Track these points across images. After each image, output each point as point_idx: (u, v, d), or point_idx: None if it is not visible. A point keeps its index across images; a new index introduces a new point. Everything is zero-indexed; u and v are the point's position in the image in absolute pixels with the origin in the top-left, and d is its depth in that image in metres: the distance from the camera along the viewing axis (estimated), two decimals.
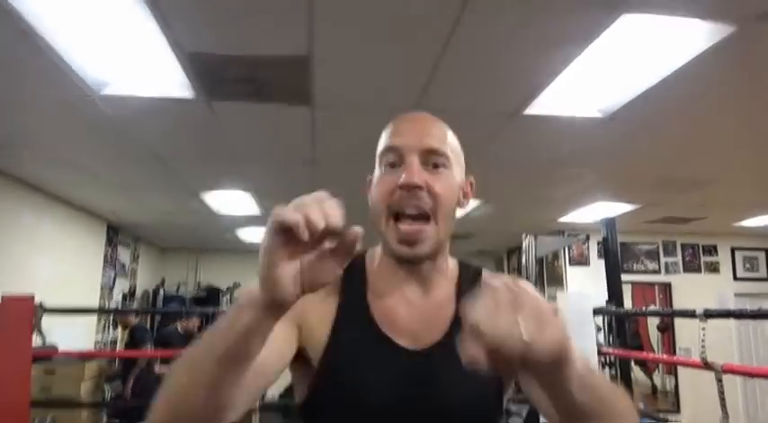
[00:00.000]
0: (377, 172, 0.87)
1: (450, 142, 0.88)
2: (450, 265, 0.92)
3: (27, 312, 2.73)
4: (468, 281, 0.89)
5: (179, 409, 0.64)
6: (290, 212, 0.55)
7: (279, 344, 0.75)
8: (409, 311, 0.84)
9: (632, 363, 4.16)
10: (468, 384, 0.78)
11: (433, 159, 0.83)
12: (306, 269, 0.59)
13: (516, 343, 0.53)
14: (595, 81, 2.59)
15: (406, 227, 0.80)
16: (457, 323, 0.82)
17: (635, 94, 2.65)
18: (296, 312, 0.73)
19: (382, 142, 0.87)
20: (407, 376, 0.80)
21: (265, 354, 0.66)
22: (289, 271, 0.58)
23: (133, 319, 5.29)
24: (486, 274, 0.82)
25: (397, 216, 0.81)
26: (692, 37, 2.14)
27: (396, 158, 0.83)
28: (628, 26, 2.06)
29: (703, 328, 2.33)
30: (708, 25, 2.05)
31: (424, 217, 0.81)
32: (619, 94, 2.70)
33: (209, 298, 8.22)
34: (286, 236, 0.56)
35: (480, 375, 0.75)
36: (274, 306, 0.59)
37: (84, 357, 4.48)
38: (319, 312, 0.82)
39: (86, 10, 2.03)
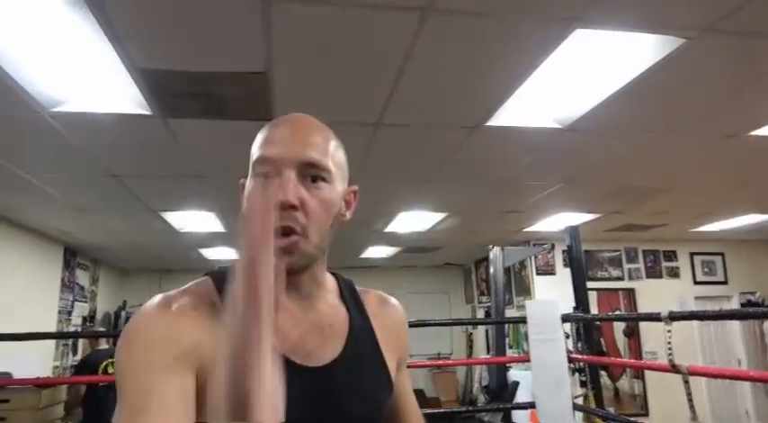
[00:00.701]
0: (249, 182, 0.79)
1: (333, 152, 0.81)
2: (328, 277, 0.89)
3: None
4: (348, 291, 0.90)
5: None
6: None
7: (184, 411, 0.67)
8: (299, 329, 0.79)
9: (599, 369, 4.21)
10: (370, 396, 0.81)
11: (311, 173, 0.76)
12: None
13: None
14: (553, 93, 2.64)
15: (278, 242, 0.69)
16: (353, 337, 0.83)
17: (591, 105, 2.71)
18: (190, 357, 0.69)
19: (256, 149, 0.78)
20: (311, 395, 0.76)
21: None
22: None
23: (101, 343, 4.94)
24: (358, 288, 0.92)
25: None
26: (643, 49, 2.20)
27: (270, 170, 0.76)
28: (582, 40, 2.10)
29: (669, 331, 2.37)
30: (658, 38, 2.11)
31: (293, 232, 0.75)
32: (575, 106, 2.76)
33: None
34: None
35: (381, 385, 0.83)
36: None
37: (40, 385, 4.27)
38: (207, 340, 0.70)
39: (35, 26, 1.96)
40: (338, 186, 0.81)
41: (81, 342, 6.94)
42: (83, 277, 6.98)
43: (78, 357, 6.73)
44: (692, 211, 5.51)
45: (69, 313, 6.49)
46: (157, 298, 0.75)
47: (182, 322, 0.72)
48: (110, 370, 4.40)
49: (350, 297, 0.89)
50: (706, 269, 7.41)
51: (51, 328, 5.92)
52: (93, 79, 2.42)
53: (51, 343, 6.05)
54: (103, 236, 5.90)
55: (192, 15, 1.92)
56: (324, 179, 0.77)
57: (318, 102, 2.66)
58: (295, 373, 0.73)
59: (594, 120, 2.86)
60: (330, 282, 0.89)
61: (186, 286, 0.79)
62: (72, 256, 6.57)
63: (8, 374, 3.91)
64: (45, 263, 5.92)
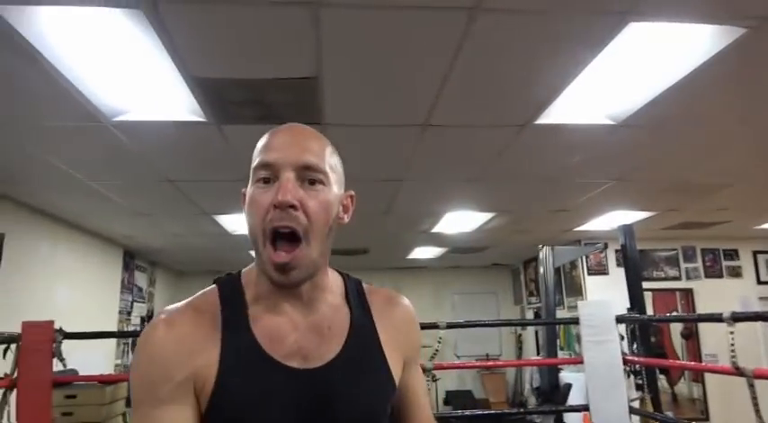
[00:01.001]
0: (250, 188, 0.82)
1: (329, 157, 0.84)
2: (333, 277, 0.91)
3: (47, 338, 2.75)
4: (354, 291, 0.91)
5: None
6: None
7: None
8: (296, 333, 0.82)
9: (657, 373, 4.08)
10: (369, 394, 0.83)
11: (309, 176, 0.80)
12: None
13: None
14: (605, 88, 2.58)
15: (277, 258, 0.78)
16: (352, 337, 0.85)
17: (645, 100, 2.63)
18: (187, 385, 0.76)
19: (256, 156, 0.83)
20: (306, 398, 0.79)
21: None
22: None
23: None
24: (366, 286, 0.94)
25: (274, 239, 0.78)
26: (701, 41, 2.12)
27: (270, 174, 0.80)
28: (636, 34, 2.05)
29: (732, 332, 2.28)
30: (717, 29, 2.03)
31: (297, 239, 0.78)
32: (629, 101, 2.69)
33: None
34: None
35: (378, 387, 0.85)
36: None
37: (104, 382, 4.48)
38: (204, 358, 0.77)
39: (96, 37, 2.06)
40: (335, 190, 0.84)
41: None
42: (141, 279, 7.27)
43: None
44: (755, 208, 5.25)
45: (129, 313, 6.78)
46: (163, 315, 0.82)
47: (182, 342, 0.78)
48: None
49: (355, 297, 0.90)
50: None
51: (113, 327, 6.20)
52: (151, 89, 2.52)
53: (113, 342, 6.33)
54: (160, 239, 6.13)
55: (245, 25, 1.98)
56: (321, 182, 0.81)
57: (367, 104, 2.70)
58: (290, 378, 0.79)
59: (649, 115, 2.78)
60: (335, 283, 0.91)
61: (192, 298, 0.85)
62: (131, 259, 6.86)
63: (74, 371, 4.11)
64: (106, 265, 6.20)
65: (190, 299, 0.85)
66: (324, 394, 0.80)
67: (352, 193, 0.92)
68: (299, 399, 0.78)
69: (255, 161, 0.82)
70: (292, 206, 0.77)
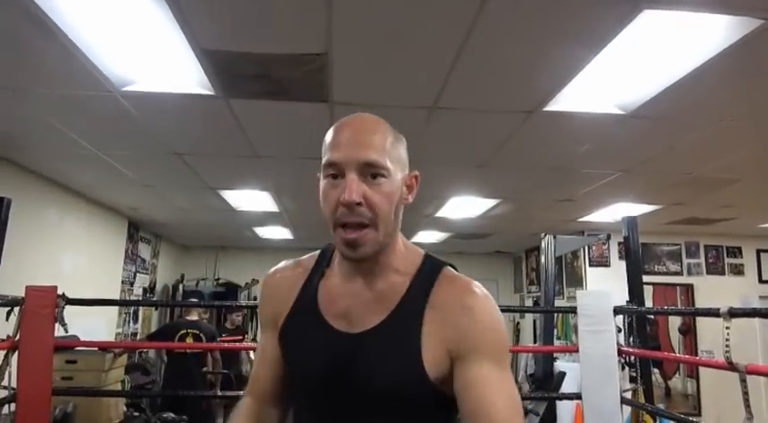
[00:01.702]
0: (322, 180, 0.93)
1: (390, 148, 0.92)
2: (410, 258, 0.99)
3: (50, 302, 2.79)
4: (426, 275, 0.96)
5: None
6: None
7: (281, 367, 1.02)
8: (349, 300, 0.94)
9: (651, 365, 4.10)
10: (391, 366, 0.89)
11: (371, 171, 0.89)
12: None
13: None
14: (616, 77, 2.55)
15: (348, 234, 0.89)
16: (398, 313, 0.92)
17: (656, 90, 2.60)
18: (271, 309, 1.04)
19: (324, 152, 0.92)
20: (337, 356, 0.91)
21: (278, 379, 1.03)
22: None
23: (192, 314, 5.26)
24: (446, 270, 0.98)
25: (344, 225, 0.90)
26: (716, 32, 2.10)
27: (336, 172, 0.90)
28: (649, 22, 2.03)
29: (727, 327, 2.29)
30: (731, 20, 2.01)
31: (363, 225, 0.89)
32: (640, 91, 2.66)
33: (228, 293, 8.34)
34: None
35: (405, 358, 0.89)
36: None
37: (105, 348, 4.55)
38: (284, 303, 1.01)
39: (107, 6, 2.06)
40: (398, 177, 0.93)
41: (141, 311, 7.33)
42: (145, 250, 7.33)
43: (138, 326, 7.15)
44: (762, 205, 5.23)
45: (131, 284, 6.85)
46: (274, 267, 1.09)
47: (277, 286, 1.04)
48: (188, 340, 4.78)
49: (423, 280, 0.95)
50: None
51: (115, 297, 6.26)
52: (161, 60, 2.52)
53: (115, 311, 6.40)
54: (165, 212, 6.17)
55: None
56: (383, 175, 0.90)
57: (375, 84, 2.69)
58: (330, 336, 0.93)
59: (660, 106, 2.75)
60: (408, 263, 0.97)
61: (302, 257, 1.08)
62: (135, 230, 6.91)
63: (75, 337, 4.17)
64: (111, 235, 6.25)
65: (301, 257, 1.08)
66: (353, 357, 0.90)
67: (417, 173, 1.00)
68: (333, 355, 0.92)
69: (324, 157, 0.92)
70: (358, 204, 0.87)
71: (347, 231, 0.89)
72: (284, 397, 1.03)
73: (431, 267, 0.97)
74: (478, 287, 0.95)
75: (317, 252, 1.05)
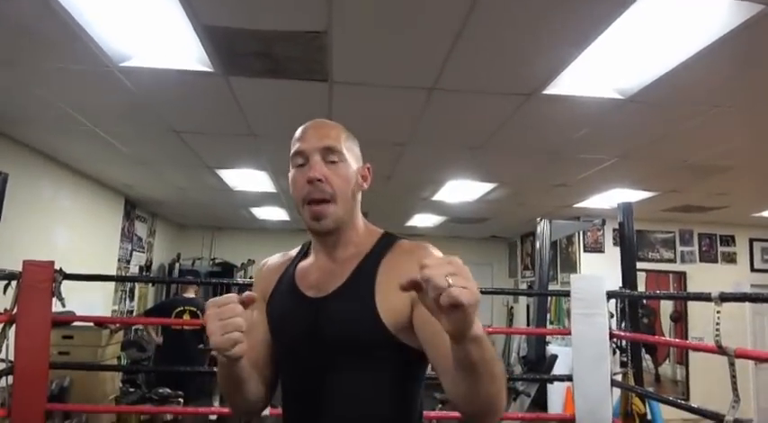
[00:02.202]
0: (291, 171, 1.13)
1: (345, 140, 1.13)
2: (369, 234, 1.16)
3: (47, 277, 2.80)
4: (382, 244, 1.13)
5: (237, 404, 1.13)
6: (230, 338, 0.89)
7: (261, 333, 1.16)
8: (318, 273, 1.13)
9: (642, 350, 4.15)
10: (347, 318, 1.04)
11: (330, 156, 1.09)
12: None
13: (449, 288, 0.74)
14: (616, 61, 2.55)
15: (313, 208, 1.08)
16: (355, 275, 1.09)
17: (656, 75, 2.61)
18: (260, 289, 1.20)
19: (292, 146, 1.12)
20: (308, 317, 1.08)
21: (259, 337, 1.15)
22: (239, 347, 0.91)
23: (189, 291, 5.30)
24: (401, 240, 1.15)
25: (311, 202, 1.08)
26: (716, 17, 2.10)
27: (303, 160, 1.10)
28: (650, 5, 2.02)
29: (718, 312, 2.32)
30: (733, 4, 2.00)
31: (326, 201, 1.08)
32: (639, 75, 2.66)
33: (224, 273, 8.37)
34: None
35: (358, 315, 1.04)
36: (234, 361, 0.96)
37: (101, 324, 4.58)
38: (271, 282, 1.21)
39: None
40: (353, 165, 1.13)
41: (137, 289, 7.36)
42: (141, 229, 7.33)
43: (134, 303, 7.19)
44: (757, 194, 5.26)
45: (128, 262, 6.86)
46: (264, 260, 1.30)
47: (266, 271, 1.25)
48: (185, 316, 4.84)
49: (380, 248, 1.12)
50: (766, 256, 7.10)
51: (112, 274, 6.27)
52: (160, 35, 2.50)
53: (111, 288, 6.43)
54: (162, 190, 6.16)
55: None
56: (340, 159, 1.10)
57: (374, 63, 2.68)
58: (304, 302, 1.11)
59: (659, 91, 2.76)
60: (368, 238, 1.15)
61: (291, 251, 1.28)
62: (132, 208, 6.91)
63: (72, 313, 4.19)
64: (107, 212, 6.25)
65: (288, 251, 1.28)
66: (320, 317, 1.07)
67: (369, 165, 1.19)
68: (306, 318, 1.09)
69: (292, 150, 1.12)
70: (320, 180, 1.07)
71: (312, 206, 1.08)
72: (267, 361, 1.16)
73: (387, 240, 1.15)
74: (423, 244, 1.10)
75: (305, 242, 1.25)
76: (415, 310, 1.00)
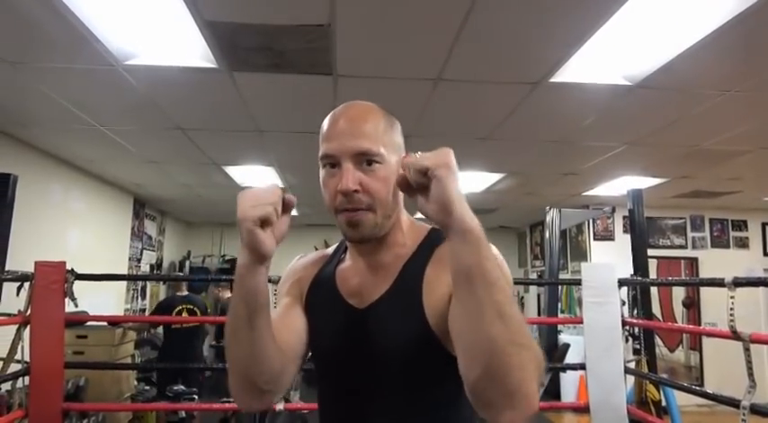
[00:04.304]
0: (322, 171, 0.97)
1: (384, 134, 0.95)
2: (417, 234, 1.03)
3: (59, 277, 2.82)
4: (429, 242, 1.00)
5: (244, 378, 0.92)
6: (262, 208, 0.80)
7: (292, 317, 1.04)
8: (359, 279, 1.01)
9: (655, 338, 4.13)
10: (393, 333, 0.93)
11: (365, 159, 0.92)
12: (274, 227, 0.84)
13: (413, 159, 0.74)
14: (623, 47, 2.52)
15: (347, 217, 0.93)
16: (395, 284, 0.97)
17: (664, 60, 2.57)
18: (296, 286, 1.08)
19: (321, 144, 0.96)
20: (350, 328, 0.97)
21: (287, 321, 1.02)
22: (266, 235, 0.82)
23: (183, 289, 5.41)
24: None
25: (343, 210, 0.95)
26: (724, 1, 2.06)
27: (333, 162, 0.93)
28: None
29: (732, 297, 2.29)
30: None
31: (362, 209, 0.93)
32: (647, 61, 2.63)
33: (234, 270, 8.38)
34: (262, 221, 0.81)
35: (407, 325, 0.92)
36: (262, 258, 0.85)
37: (114, 323, 4.62)
38: (306, 277, 1.09)
39: None
40: (392, 160, 0.95)
41: (149, 287, 7.41)
42: (151, 227, 7.37)
43: (146, 302, 7.25)
44: None
45: (139, 260, 6.91)
46: (302, 254, 1.18)
47: (301, 267, 1.12)
48: (183, 314, 4.93)
49: (427, 247, 0.99)
50: None
51: (123, 273, 6.32)
52: (163, 32, 2.50)
53: (123, 288, 6.47)
54: (170, 189, 6.18)
55: None
56: (378, 161, 0.92)
57: (379, 56, 2.66)
58: (346, 312, 0.99)
59: (668, 76, 2.72)
60: (412, 237, 1.02)
61: (326, 249, 1.16)
62: (141, 207, 6.94)
63: (85, 313, 4.23)
64: (117, 212, 6.28)
65: (325, 249, 1.17)
66: (362, 330, 0.96)
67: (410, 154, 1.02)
68: (348, 329, 0.98)
69: (321, 150, 0.95)
70: (355, 191, 0.91)
71: (346, 214, 0.93)
72: (295, 352, 1.00)
73: (435, 236, 1.00)
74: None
75: (339, 242, 1.13)
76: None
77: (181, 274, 8.21)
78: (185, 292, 5.18)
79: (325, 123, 0.97)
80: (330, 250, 1.14)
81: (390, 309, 0.95)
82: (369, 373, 0.94)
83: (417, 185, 0.75)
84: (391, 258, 0.99)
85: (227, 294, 5.47)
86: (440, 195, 0.72)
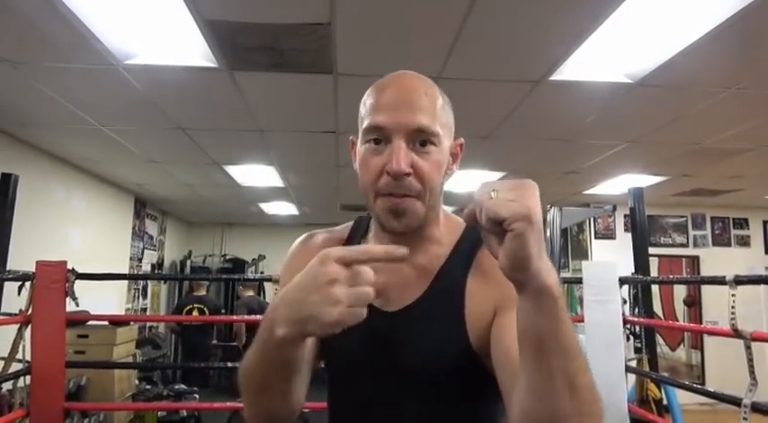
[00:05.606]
0: (361, 146, 0.84)
1: (441, 111, 0.84)
2: (454, 229, 0.91)
3: (60, 277, 2.82)
4: (468, 241, 0.87)
5: (274, 407, 0.80)
6: (353, 315, 0.64)
7: None
8: (387, 276, 0.82)
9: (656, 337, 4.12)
10: (430, 344, 0.81)
11: (421, 137, 0.80)
12: None
13: (488, 200, 0.58)
14: (624, 45, 2.51)
15: (394, 202, 0.81)
16: (432, 288, 0.85)
17: (666, 57, 2.56)
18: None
19: (365, 115, 0.83)
20: (374, 335, 0.81)
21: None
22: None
23: (200, 290, 5.71)
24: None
25: (388, 194, 0.82)
26: None
27: (380, 136, 0.80)
28: None
29: (733, 295, 2.29)
30: None
31: (410, 196, 0.81)
32: (649, 58, 2.62)
33: (235, 269, 8.42)
34: None
35: (446, 337, 0.81)
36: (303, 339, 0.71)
37: (115, 322, 4.62)
38: None
39: None
40: (446, 145, 0.84)
41: (150, 287, 7.42)
42: (152, 227, 7.38)
43: (147, 301, 7.28)
44: None
45: (140, 260, 6.92)
46: (304, 235, 1.00)
47: (309, 253, 0.85)
48: (194, 313, 5.19)
49: (467, 247, 0.88)
50: None
51: (124, 272, 6.33)
52: (163, 31, 2.49)
53: (124, 287, 6.48)
54: (171, 188, 6.18)
55: None
56: (432, 143, 0.81)
57: (379, 54, 2.65)
58: (371, 315, 0.79)
59: (669, 74, 2.71)
60: (450, 233, 0.90)
61: (334, 228, 1.00)
62: (142, 207, 6.95)
63: (86, 313, 4.24)
64: (118, 212, 6.29)
65: (332, 228, 1.00)
66: (392, 337, 0.83)
67: (462, 140, 0.92)
68: (372, 335, 0.81)
69: (365, 121, 0.82)
70: (407, 174, 0.78)
71: (391, 200, 0.80)
72: (311, 357, 0.90)
73: (474, 234, 0.83)
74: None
75: (351, 223, 0.98)
76: (497, 317, 0.80)
77: (182, 273, 8.24)
78: (202, 293, 5.47)
79: (373, 91, 0.84)
80: (342, 231, 0.98)
81: (426, 316, 0.83)
82: (396, 385, 0.83)
83: (489, 230, 0.61)
84: (426, 257, 0.87)
85: (248, 293, 5.62)
86: (515, 252, 0.58)
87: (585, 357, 0.63)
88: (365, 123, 0.82)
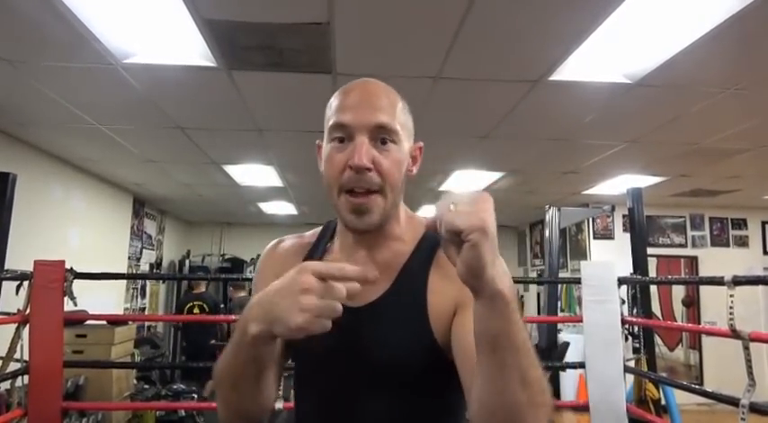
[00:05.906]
0: (326, 145, 0.89)
1: (400, 114, 0.88)
2: (416, 227, 0.94)
3: (58, 276, 2.81)
4: (430, 239, 0.90)
5: (244, 407, 0.85)
6: (317, 324, 0.68)
7: None
8: None
9: (654, 337, 4.13)
10: (395, 340, 0.85)
11: (381, 135, 0.85)
12: None
13: (447, 213, 0.62)
14: (623, 45, 2.51)
15: (356, 199, 0.85)
16: (396, 285, 0.88)
17: (665, 58, 2.56)
18: (272, 280, 0.86)
19: (331, 115, 0.88)
20: (340, 330, 0.80)
21: None
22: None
23: (200, 287, 5.76)
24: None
25: (350, 191, 0.86)
26: None
27: (344, 135, 0.85)
28: None
29: (731, 296, 2.29)
30: None
31: (373, 191, 0.85)
32: (648, 59, 2.62)
33: (234, 269, 8.42)
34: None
35: (411, 332, 0.85)
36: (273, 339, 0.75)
37: (113, 322, 4.62)
38: (286, 272, 0.84)
39: None
40: (405, 145, 0.89)
41: (149, 286, 7.41)
42: (150, 226, 7.37)
43: (146, 301, 7.29)
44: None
45: (138, 259, 6.91)
46: (276, 240, 1.04)
47: (279, 258, 0.99)
48: (195, 311, 5.26)
49: (428, 245, 0.91)
50: None
51: (122, 272, 6.32)
52: (162, 31, 2.49)
53: (123, 287, 6.48)
54: (169, 188, 6.18)
55: None
56: (393, 141, 0.86)
57: (379, 54, 2.65)
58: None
59: (668, 74, 2.72)
60: (411, 232, 0.93)
61: (306, 232, 1.04)
62: (141, 206, 6.94)
63: (85, 312, 4.23)
64: (116, 211, 6.28)
65: (303, 233, 1.05)
66: (357, 332, 0.86)
67: (421, 144, 0.97)
68: (339, 330, 0.80)
69: (330, 121, 0.87)
70: (367, 169, 0.83)
71: (355, 196, 0.85)
72: (281, 353, 0.92)
73: (435, 233, 0.93)
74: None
75: (319, 228, 1.03)
76: (457, 315, 0.84)
77: (181, 273, 8.24)
78: (201, 290, 5.54)
79: (338, 95, 0.90)
80: (310, 236, 1.03)
81: (391, 312, 0.87)
82: (361, 380, 0.86)
83: (448, 240, 0.65)
84: (389, 254, 0.91)
85: (240, 294, 5.73)
86: (470, 260, 0.62)
87: (535, 354, 0.68)
88: (330, 122, 0.87)
